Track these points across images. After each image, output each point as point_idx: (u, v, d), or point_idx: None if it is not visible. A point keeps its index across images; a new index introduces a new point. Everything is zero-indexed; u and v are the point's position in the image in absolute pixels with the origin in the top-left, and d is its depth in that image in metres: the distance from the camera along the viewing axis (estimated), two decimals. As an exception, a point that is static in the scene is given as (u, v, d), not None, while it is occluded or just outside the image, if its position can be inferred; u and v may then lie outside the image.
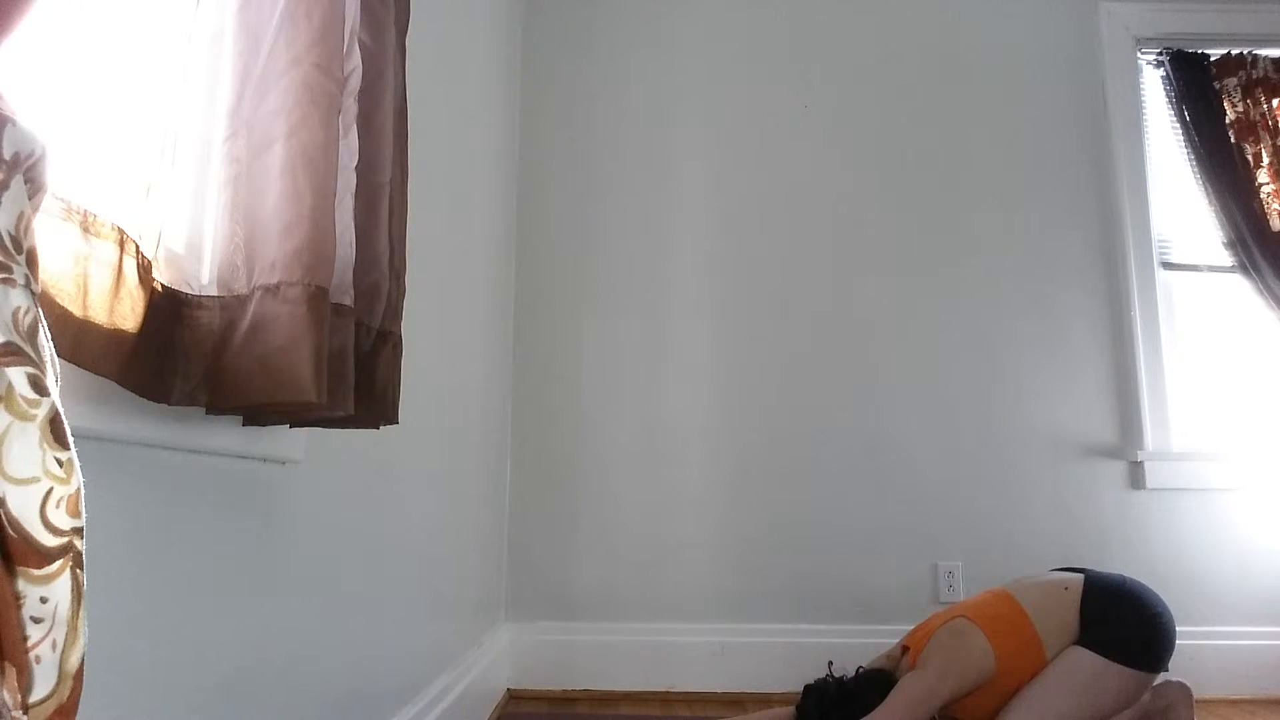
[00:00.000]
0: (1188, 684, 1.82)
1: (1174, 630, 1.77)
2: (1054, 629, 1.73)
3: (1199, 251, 2.66)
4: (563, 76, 2.70)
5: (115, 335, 0.64)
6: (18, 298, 0.41)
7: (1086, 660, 1.69)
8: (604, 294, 2.57)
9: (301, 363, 0.74)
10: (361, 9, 0.95)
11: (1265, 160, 2.61)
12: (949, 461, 2.47)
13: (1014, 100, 2.68)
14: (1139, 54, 2.74)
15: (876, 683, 1.71)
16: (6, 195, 0.41)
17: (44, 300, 0.56)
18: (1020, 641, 1.73)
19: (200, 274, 0.82)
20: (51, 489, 0.42)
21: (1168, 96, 2.72)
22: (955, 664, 1.68)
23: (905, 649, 1.82)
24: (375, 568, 1.36)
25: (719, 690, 2.32)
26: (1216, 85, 2.68)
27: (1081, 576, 1.83)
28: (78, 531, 0.44)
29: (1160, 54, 2.73)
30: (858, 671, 1.77)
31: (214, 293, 0.79)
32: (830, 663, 1.79)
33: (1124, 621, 1.74)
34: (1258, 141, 2.62)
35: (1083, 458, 2.49)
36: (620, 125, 2.67)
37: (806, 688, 1.74)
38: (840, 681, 1.72)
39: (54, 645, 0.42)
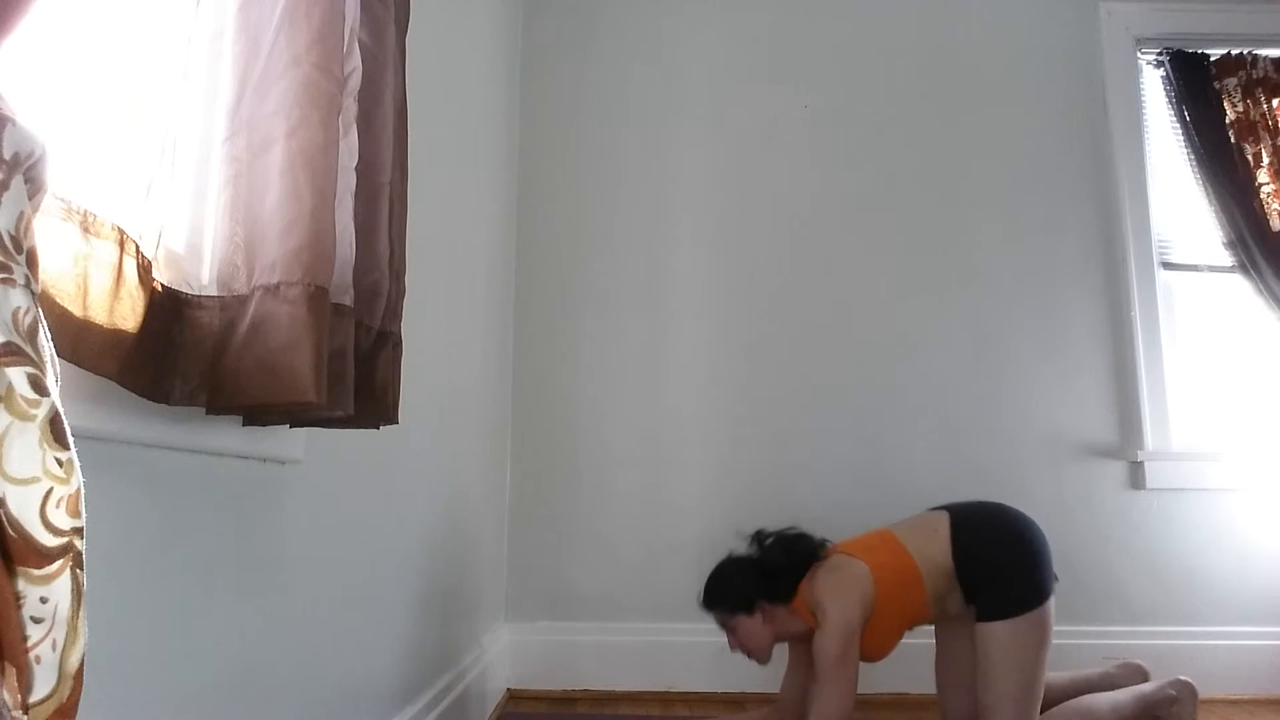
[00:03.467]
0: (1194, 683, 1.82)
1: (1045, 548, 1.77)
2: (932, 566, 1.74)
3: (1199, 251, 2.66)
4: (563, 76, 2.70)
5: (115, 335, 0.64)
6: (18, 298, 0.41)
7: (1002, 632, 1.69)
8: (604, 294, 2.57)
9: (301, 363, 0.74)
10: (361, 9, 0.95)
11: (1265, 160, 2.61)
12: (949, 461, 2.47)
13: (1014, 100, 2.68)
14: (1139, 54, 2.74)
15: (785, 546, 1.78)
16: (6, 195, 0.41)
17: (44, 300, 0.56)
18: (897, 564, 1.73)
19: (200, 274, 0.82)
20: (51, 489, 0.42)
21: (1168, 96, 2.72)
22: (846, 594, 1.69)
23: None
24: (375, 568, 1.36)
25: (719, 690, 2.32)
26: (1216, 85, 2.68)
27: (946, 513, 1.82)
28: (78, 531, 0.44)
29: (1160, 54, 2.73)
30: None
31: (214, 293, 0.79)
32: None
33: (1001, 572, 1.73)
34: (1258, 141, 2.62)
35: (1083, 458, 2.49)
36: (620, 125, 2.67)
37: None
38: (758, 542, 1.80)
39: (54, 645, 0.42)
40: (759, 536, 1.83)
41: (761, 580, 1.75)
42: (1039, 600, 1.70)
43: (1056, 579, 1.78)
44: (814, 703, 1.63)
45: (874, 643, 1.75)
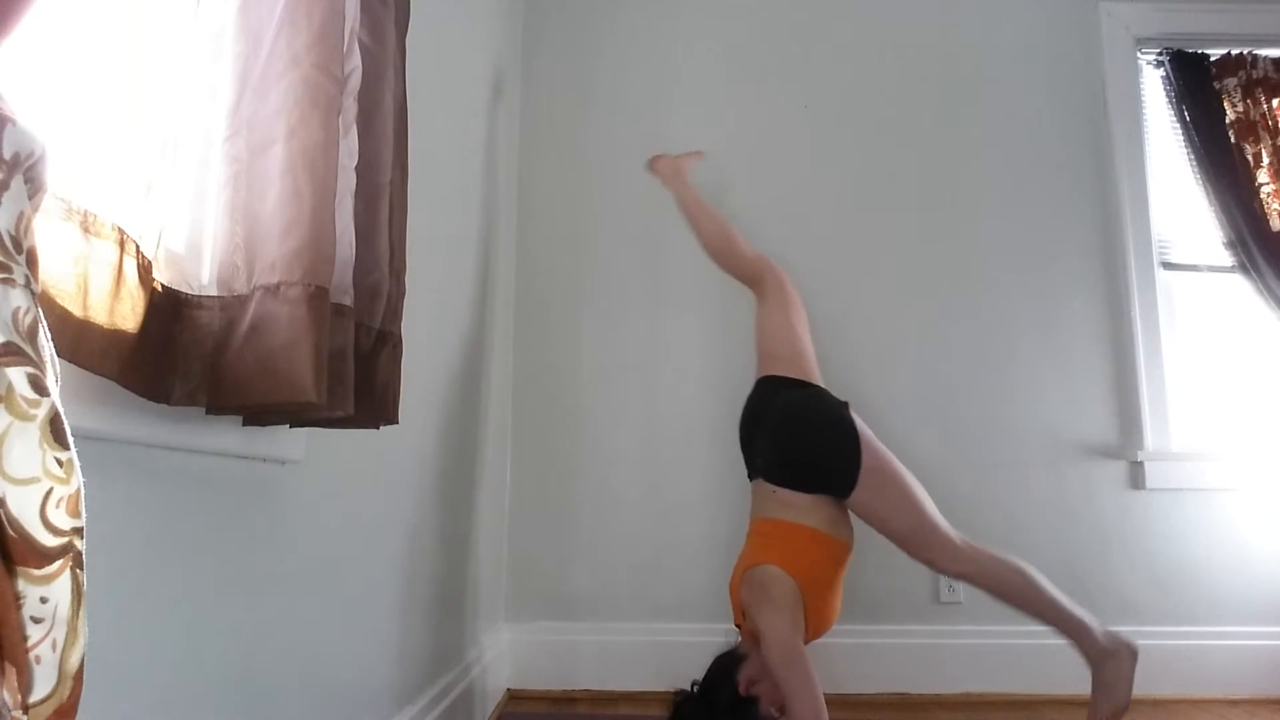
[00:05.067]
0: (1136, 646, 1.76)
1: (809, 407, 1.83)
2: (799, 511, 1.76)
3: (1199, 251, 2.66)
4: (563, 76, 2.70)
5: (115, 335, 0.64)
6: (18, 298, 0.41)
7: (862, 499, 1.76)
8: (604, 293, 2.57)
9: (301, 363, 0.74)
10: (361, 9, 0.95)
11: (1265, 160, 2.61)
12: (949, 461, 2.47)
13: (1014, 100, 2.68)
14: (1139, 54, 2.74)
15: (723, 665, 1.72)
16: (6, 195, 0.41)
17: (44, 300, 0.56)
18: (790, 541, 1.74)
19: (200, 274, 0.82)
20: (51, 489, 0.42)
21: (1168, 96, 2.72)
22: (772, 605, 1.67)
23: (737, 625, 1.82)
24: (375, 567, 1.36)
25: (719, 690, 2.32)
26: (1216, 85, 2.68)
27: (759, 478, 1.86)
28: (78, 531, 0.44)
29: (1160, 54, 2.73)
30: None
31: (214, 293, 0.79)
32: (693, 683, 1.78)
33: (811, 460, 1.79)
34: (1258, 141, 2.62)
35: (1083, 458, 2.49)
36: (620, 124, 2.67)
37: (672, 713, 1.75)
38: (695, 685, 1.74)
39: (54, 645, 0.42)
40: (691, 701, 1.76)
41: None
42: (853, 450, 1.76)
43: (845, 404, 1.84)
44: (788, 713, 1.63)
45: (821, 613, 1.75)
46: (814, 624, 1.73)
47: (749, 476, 1.92)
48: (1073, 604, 1.78)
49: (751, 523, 1.86)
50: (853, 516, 1.82)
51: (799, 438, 1.83)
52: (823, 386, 1.91)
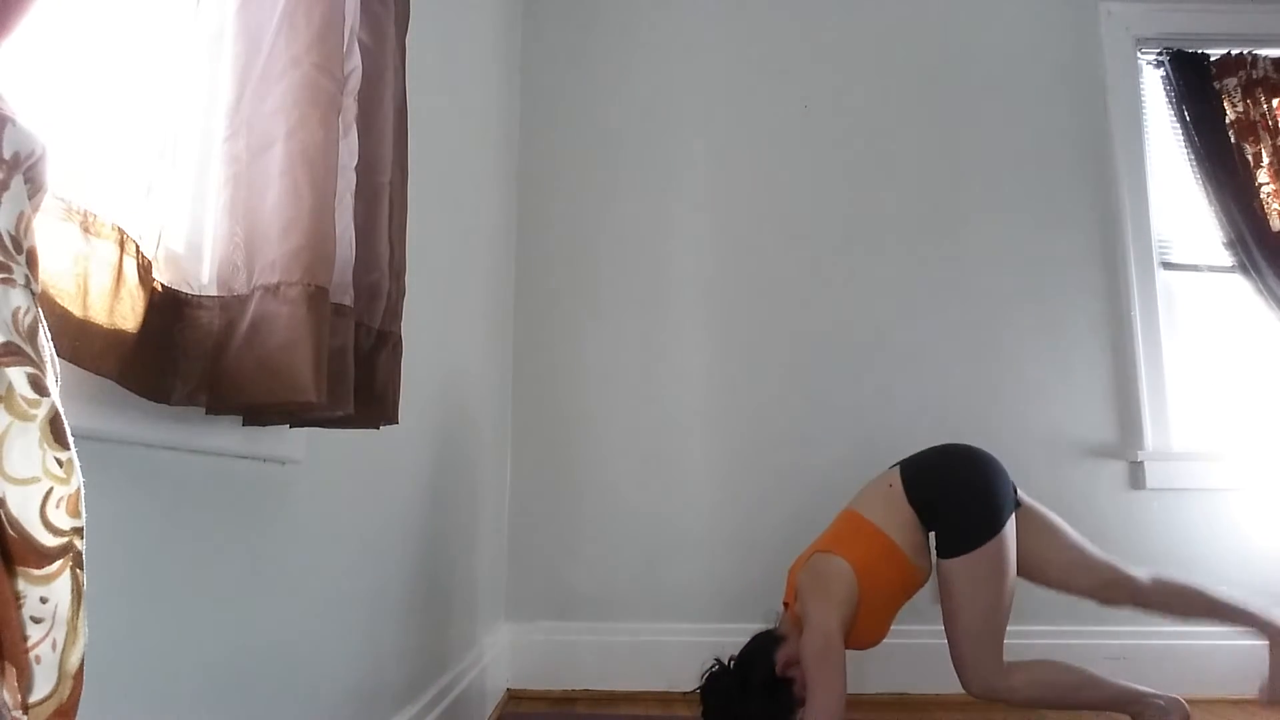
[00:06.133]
0: (1188, 708, 1.78)
1: (994, 479, 1.80)
2: (898, 526, 1.76)
3: (1199, 251, 2.66)
4: (563, 76, 2.70)
5: (115, 335, 0.64)
6: (18, 298, 0.41)
7: (958, 568, 1.72)
8: (604, 294, 2.57)
9: (301, 363, 0.74)
10: (361, 9, 0.95)
11: (1265, 160, 2.61)
12: (949, 461, 2.47)
13: (1014, 100, 2.68)
14: (1139, 54, 2.74)
15: (763, 643, 1.72)
16: (6, 195, 0.41)
17: (44, 300, 0.56)
18: (870, 546, 1.74)
19: (200, 274, 0.82)
20: (51, 489, 0.42)
21: (1168, 96, 2.72)
22: (827, 597, 1.68)
23: (785, 605, 1.82)
24: (375, 568, 1.36)
25: (719, 690, 2.32)
26: (1216, 85, 2.68)
27: (898, 468, 1.86)
28: (78, 531, 0.44)
29: (1160, 54, 2.73)
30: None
31: (214, 292, 0.79)
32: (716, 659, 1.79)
33: (954, 507, 1.77)
34: (1258, 141, 2.62)
35: (1083, 458, 2.49)
36: (620, 125, 2.67)
37: (702, 690, 1.74)
38: (731, 660, 1.73)
39: (54, 645, 0.42)
40: (721, 678, 1.76)
41: (765, 701, 1.69)
42: (990, 533, 1.72)
43: (1019, 504, 1.81)
44: (806, 705, 1.63)
45: (870, 627, 1.75)
46: (858, 634, 1.73)
47: (893, 466, 1.89)
48: (1113, 682, 1.77)
49: (845, 509, 1.86)
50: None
51: (972, 474, 1.80)
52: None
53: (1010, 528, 1.76)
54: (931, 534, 1.79)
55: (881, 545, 1.74)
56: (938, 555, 1.76)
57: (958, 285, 2.59)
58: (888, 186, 2.63)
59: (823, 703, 1.59)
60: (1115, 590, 1.84)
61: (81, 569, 0.44)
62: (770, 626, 1.80)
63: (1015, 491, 1.84)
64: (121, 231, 0.65)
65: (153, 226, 0.76)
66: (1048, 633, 2.37)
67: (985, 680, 1.70)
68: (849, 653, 1.70)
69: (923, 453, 1.89)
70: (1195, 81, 2.68)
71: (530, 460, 2.49)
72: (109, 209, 0.65)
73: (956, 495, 1.78)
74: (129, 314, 0.66)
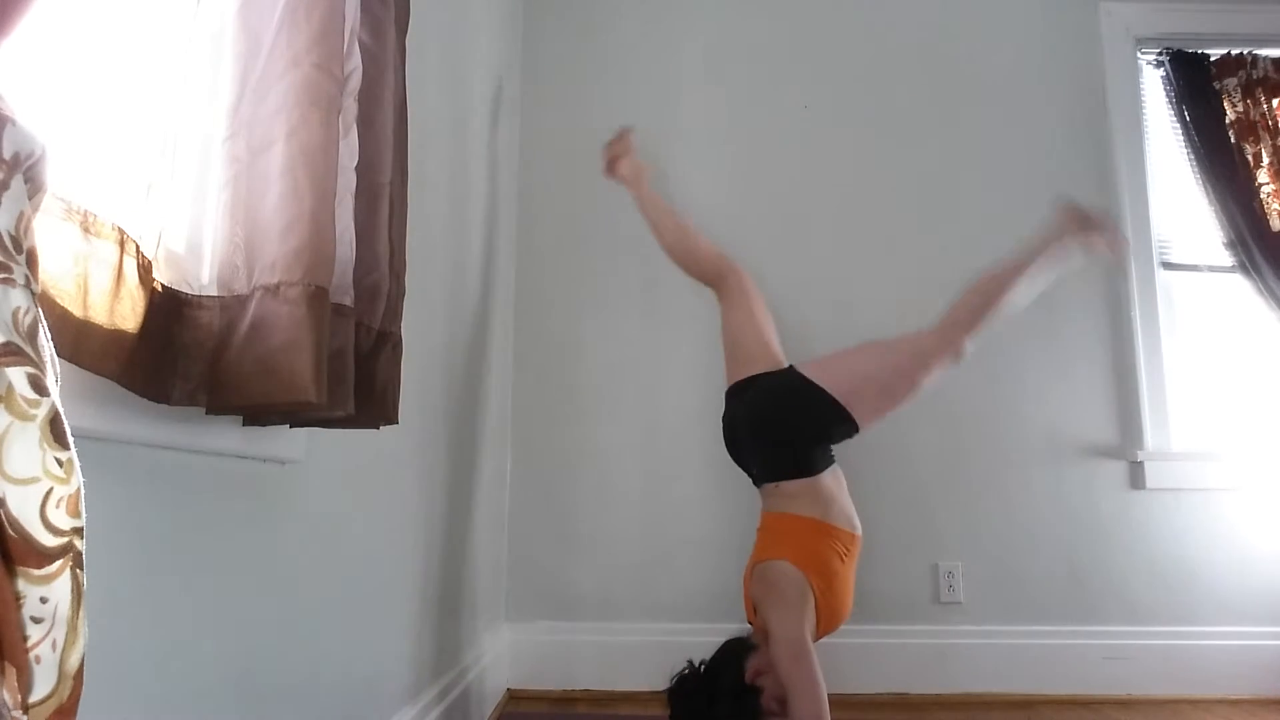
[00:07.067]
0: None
1: (771, 420, 1.84)
2: (799, 502, 1.77)
3: (1199, 251, 2.66)
4: (563, 76, 2.70)
5: (115, 335, 0.64)
6: (18, 298, 0.41)
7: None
8: (605, 294, 2.57)
9: (301, 363, 0.74)
10: (361, 9, 0.95)
11: (1265, 160, 2.61)
12: (949, 461, 2.47)
13: (1014, 100, 2.68)
14: (1139, 54, 2.74)
15: (733, 650, 1.71)
16: (6, 195, 0.41)
17: (44, 300, 0.56)
18: (798, 534, 1.74)
19: (200, 274, 0.82)
20: (51, 489, 0.42)
21: (1168, 96, 2.72)
22: (784, 603, 1.66)
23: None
24: (375, 568, 1.36)
25: (719, 690, 2.32)
26: (1216, 85, 2.68)
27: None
28: (78, 531, 0.44)
29: (1160, 54, 2.73)
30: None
31: (214, 293, 0.79)
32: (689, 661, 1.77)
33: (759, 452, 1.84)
34: (1258, 141, 2.62)
35: (1083, 458, 2.49)
36: (620, 124, 2.66)
37: (670, 693, 1.71)
38: (702, 664, 1.72)
39: (54, 645, 0.42)
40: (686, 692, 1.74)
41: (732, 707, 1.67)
42: (824, 399, 1.81)
43: (790, 367, 1.88)
44: (790, 712, 1.62)
45: (834, 607, 1.73)
46: (826, 617, 1.71)
47: (755, 485, 1.91)
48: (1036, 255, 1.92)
49: (760, 519, 1.86)
50: (853, 501, 1.80)
51: (773, 422, 1.82)
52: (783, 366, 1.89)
53: (808, 372, 1.84)
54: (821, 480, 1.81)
55: (805, 526, 1.74)
56: (842, 484, 1.84)
57: (958, 285, 2.58)
58: (887, 186, 2.63)
59: (804, 704, 1.59)
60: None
61: (81, 569, 0.44)
62: (741, 635, 1.79)
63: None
64: (121, 231, 0.65)
65: (153, 226, 0.76)
66: (1048, 632, 2.37)
67: (950, 345, 1.94)
68: (832, 641, 1.70)
69: (741, 460, 1.92)
70: (1195, 81, 2.68)
71: (530, 460, 2.48)
72: (109, 209, 0.65)
73: (782, 429, 1.82)
74: (129, 314, 0.66)
